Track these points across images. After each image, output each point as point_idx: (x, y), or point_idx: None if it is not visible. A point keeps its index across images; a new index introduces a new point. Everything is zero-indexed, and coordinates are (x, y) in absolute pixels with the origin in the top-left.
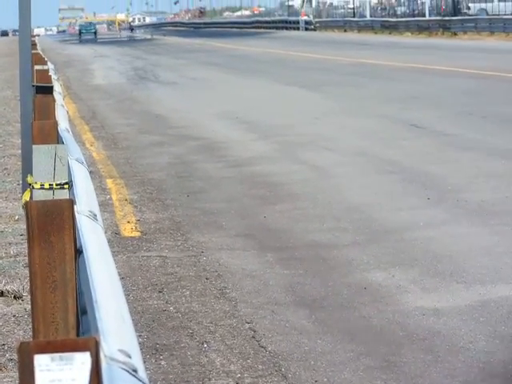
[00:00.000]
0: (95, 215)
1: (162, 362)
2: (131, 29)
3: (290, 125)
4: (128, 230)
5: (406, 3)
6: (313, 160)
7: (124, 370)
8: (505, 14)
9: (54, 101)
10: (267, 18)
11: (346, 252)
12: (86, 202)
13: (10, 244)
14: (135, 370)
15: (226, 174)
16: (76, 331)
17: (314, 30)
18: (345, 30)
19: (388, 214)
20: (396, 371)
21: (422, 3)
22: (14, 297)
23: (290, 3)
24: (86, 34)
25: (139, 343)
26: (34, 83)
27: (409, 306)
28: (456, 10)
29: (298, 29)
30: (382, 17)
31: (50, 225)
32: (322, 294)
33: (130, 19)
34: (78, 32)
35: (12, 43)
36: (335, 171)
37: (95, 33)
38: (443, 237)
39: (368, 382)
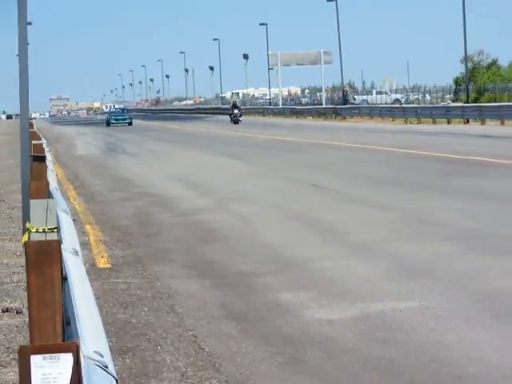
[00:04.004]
0: (77, 252)
1: (127, 360)
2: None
3: (222, 185)
4: (102, 262)
5: (309, 95)
6: (239, 211)
7: (98, 366)
8: (380, 104)
9: (47, 167)
10: (206, 106)
11: (263, 279)
12: (70, 242)
13: (13, 273)
14: (106, 366)
15: (175, 222)
16: (62, 337)
17: (241, 115)
18: (263, 115)
19: (294, 251)
20: (300, 366)
21: (320, 95)
22: (16, 312)
23: (223, 95)
24: (117, 124)
25: (110, 346)
26: (32, 154)
27: (310, 318)
28: (345, 100)
29: (228, 114)
30: (291, 105)
31: (43, 259)
32: (246, 310)
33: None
34: (106, 121)
35: (14, 125)
36: (255, 219)
37: (130, 122)
38: (335, 267)
39: (279, 374)
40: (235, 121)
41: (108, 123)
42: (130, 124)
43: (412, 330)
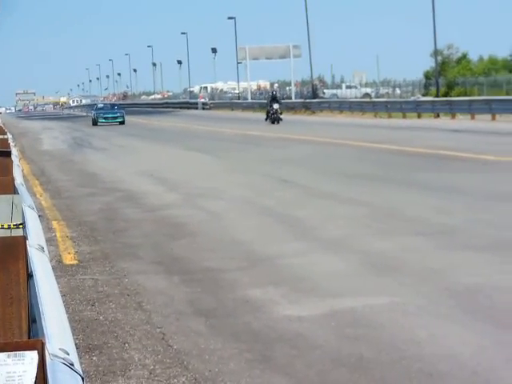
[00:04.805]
0: (43, 248)
1: (94, 358)
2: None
3: (190, 180)
4: (68, 259)
5: (278, 89)
6: (208, 206)
7: (63, 363)
8: (350, 98)
9: (12, 162)
10: (174, 100)
11: (232, 275)
12: (35, 238)
13: None
14: (72, 364)
15: (143, 217)
16: (28, 335)
17: (209, 109)
18: (232, 110)
19: (264, 246)
20: (269, 362)
21: (290, 89)
22: None
23: (191, 89)
24: (106, 123)
25: (76, 344)
26: None
27: (279, 314)
28: (315, 95)
29: (196, 108)
30: (260, 99)
31: (8, 255)
32: (214, 306)
33: (71, 101)
34: (94, 118)
35: None
36: (225, 215)
37: (122, 121)
38: (305, 263)
39: (248, 371)
40: (274, 119)
41: (95, 122)
42: (122, 123)
43: (382, 326)
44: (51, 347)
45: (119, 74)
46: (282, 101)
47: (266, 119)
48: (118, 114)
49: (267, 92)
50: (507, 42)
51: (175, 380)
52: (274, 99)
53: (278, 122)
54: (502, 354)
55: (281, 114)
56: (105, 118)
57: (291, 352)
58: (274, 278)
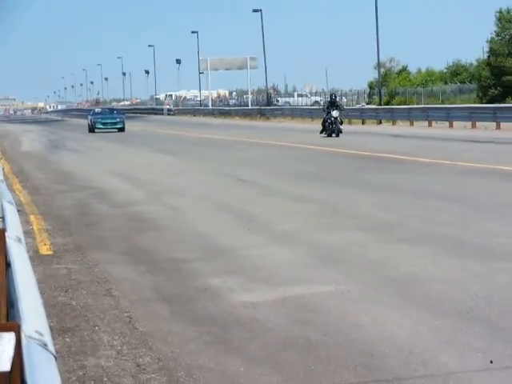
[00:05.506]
0: (20, 239)
1: (67, 339)
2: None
3: (156, 179)
4: (44, 249)
5: (236, 97)
6: (172, 203)
7: (38, 344)
8: (301, 105)
9: None
10: (142, 106)
11: (194, 265)
12: (14, 230)
13: None
14: (46, 344)
15: (113, 212)
16: (6, 319)
17: (174, 115)
18: (194, 115)
19: (223, 239)
20: (226, 344)
21: (247, 97)
22: None
23: (157, 96)
24: (104, 130)
25: (51, 326)
26: None
27: (236, 301)
28: (269, 102)
29: (162, 114)
30: (220, 106)
31: None
32: (177, 293)
33: (48, 106)
34: (90, 124)
35: None
36: (187, 210)
37: (122, 128)
38: (260, 254)
39: (207, 352)
40: (332, 131)
41: (92, 129)
42: (122, 130)
43: (328, 311)
44: (27, 329)
45: (92, 83)
46: (239, 107)
47: (322, 131)
48: (118, 120)
49: (226, 100)
50: (443, 56)
51: (140, 359)
52: (332, 104)
53: (338, 135)
54: (435, 337)
55: (341, 123)
56: (103, 124)
57: (246, 335)
58: (232, 268)
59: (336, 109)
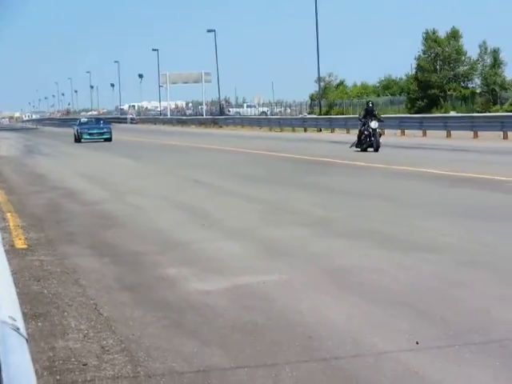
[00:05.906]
0: None
1: (39, 324)
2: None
3: (121, 181)
4: (19, 244)
5: (192, 108)
6: (134, 202)
7: (12, 328)
8: (250, 115)
9: None
10: (108, 116)
11: (153, 257)
12: None
13: None
14: (18, 329)
15: (81, 210)
16: None
17: (136, 123)
18: (155, 124)
19: (179, 234)
20: (182, 327)
21: (201, 108)
22: None
23: (122, 107)
24: (91, 140)
25: (24, 312)
26: None
27: (190, 289)
28: (221, 112)
29: (126, 123)
30: (178, 116)
31: None
32: (139, 282)
33: (23, 116)
34: (76, 135)
35: None
36: (147, 208)
37: (109, 138)
38: (213, 248)
39: (164, 334)
40: (370, 145)
41: (78, 138)
42: (109, 140)
43: (273, 298)
44: (1, 315)
45: (63, 94)
46: (195, 117)
47: (356, 145)
48: (105, 130)
49: (183, 110)
50: (376, 71)
51: (104, 342)
52: (369, 113)
53: (377, 150)
54: (369, 321)
55: (380, 135)
56: (90, 135)
57: (199, 319)
58: (187, 260)
59: (374, 119)
